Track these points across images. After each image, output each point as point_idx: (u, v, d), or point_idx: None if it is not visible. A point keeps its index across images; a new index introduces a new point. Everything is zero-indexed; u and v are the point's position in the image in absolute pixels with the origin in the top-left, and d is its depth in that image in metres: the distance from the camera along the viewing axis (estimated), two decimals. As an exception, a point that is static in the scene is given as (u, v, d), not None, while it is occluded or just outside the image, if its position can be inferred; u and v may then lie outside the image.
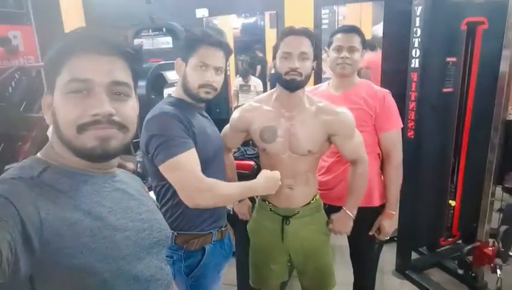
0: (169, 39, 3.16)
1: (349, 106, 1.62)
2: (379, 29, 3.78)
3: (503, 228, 2.35)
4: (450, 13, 2.14)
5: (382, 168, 1.76)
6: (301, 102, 1.47)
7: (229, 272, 1.55)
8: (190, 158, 1.20)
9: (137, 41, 3.23)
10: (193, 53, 1.28)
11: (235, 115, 1.54)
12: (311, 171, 1.54)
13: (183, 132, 1.22)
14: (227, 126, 1.58)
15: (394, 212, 1.75)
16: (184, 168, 1.19)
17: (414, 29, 2.12)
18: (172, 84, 2.24)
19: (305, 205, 1.52)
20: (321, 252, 1.58)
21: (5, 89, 3.33)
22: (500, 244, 2.29)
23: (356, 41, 1.69)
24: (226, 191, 1.27)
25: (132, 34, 3.27)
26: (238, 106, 5.76)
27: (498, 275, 2.19)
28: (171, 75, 2.25)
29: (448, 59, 2.14)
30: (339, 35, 1.71)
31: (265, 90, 6.74)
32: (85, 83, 0.68)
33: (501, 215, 2.36)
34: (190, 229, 1.33)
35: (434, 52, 2.13)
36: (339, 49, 1.69)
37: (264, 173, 1.38)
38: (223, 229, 1.43)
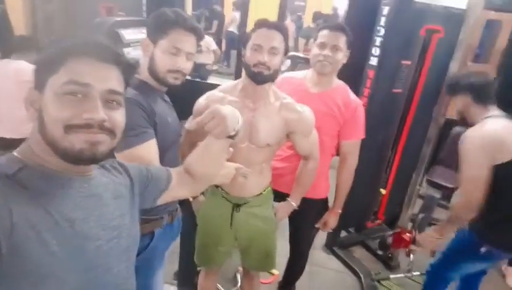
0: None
1: (323, 109, 1.68)
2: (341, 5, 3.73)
3: (421, 215, 2.66)
4: (413, 18, 2.19)
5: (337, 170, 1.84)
6: (267, 95, 1.47)
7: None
8: (149, 150, 1.18)
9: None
10: (163, 36, 1.21)
11: (201, 106, 1.46)
12: (267, 162, 1.58)
13: (145, 120, 1.18)
14: (191, 119, 1.51)
15: (340, 211, 1.89)
16: (141, 160, 1.16)
17: (378, 28, 2.16)
18: (127, 45, 2.08)
19: (257, 195, 1.58)
20: (266, 240, 1.67)
21: None
22: (416, 232, 2.60)
23: (342, 40, 1.64)
24: None
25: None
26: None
27: (410, 259, 2.51)
28: (128, 34, 2.09)
29: (403, 62, 2.24)
30: (325, 32, 1.66)
31: (219, 47, 6.48)
32: (84, 87, 0.67)
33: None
34: (142, 214, 1.32)
35: (392, 54, 2.21)
36: (322, 45, 1.65)
37: None
38: (173, 212, 1.44)
